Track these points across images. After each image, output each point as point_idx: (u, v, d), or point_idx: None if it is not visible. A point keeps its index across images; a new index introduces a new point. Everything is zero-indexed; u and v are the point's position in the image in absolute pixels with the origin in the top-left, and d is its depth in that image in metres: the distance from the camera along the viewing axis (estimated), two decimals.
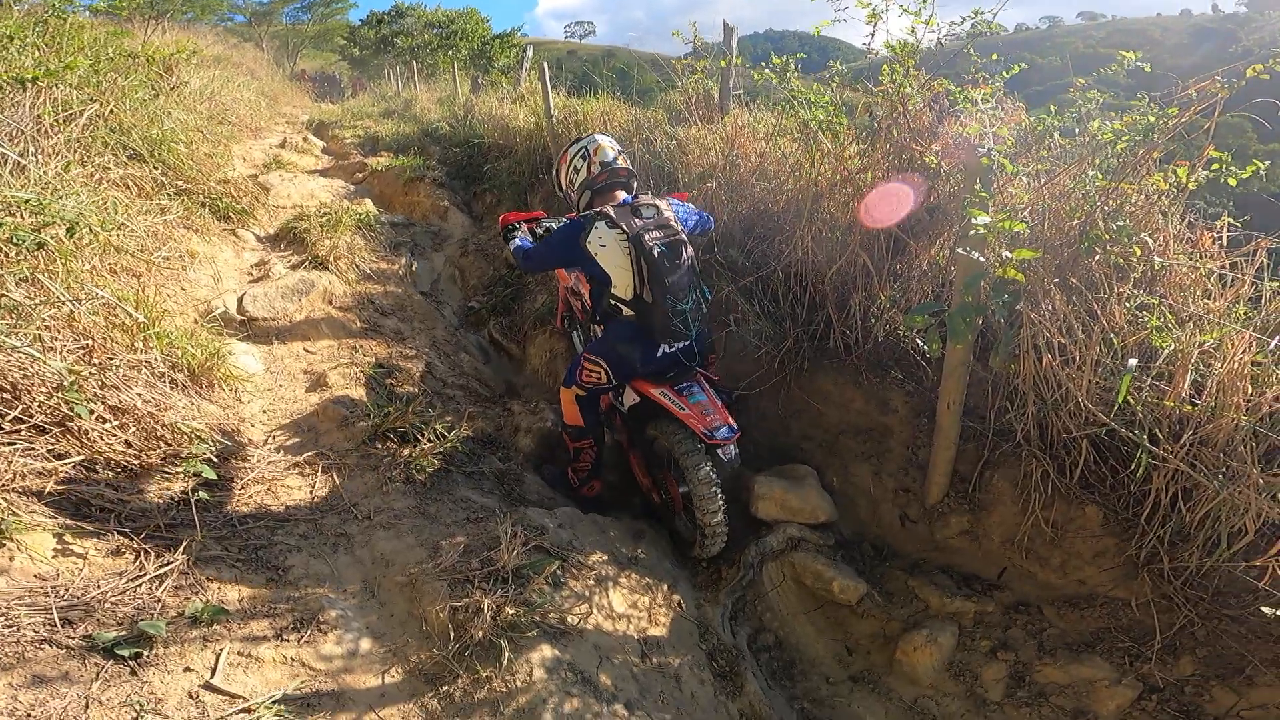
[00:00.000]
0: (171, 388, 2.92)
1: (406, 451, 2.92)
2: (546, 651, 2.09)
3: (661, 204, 2.80)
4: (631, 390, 3.03)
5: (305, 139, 9.67)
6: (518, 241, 3.08)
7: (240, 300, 3.95)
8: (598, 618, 2.35)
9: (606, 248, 2.68)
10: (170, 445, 2.59)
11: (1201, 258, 2.73)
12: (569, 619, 2.26)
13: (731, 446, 2.73)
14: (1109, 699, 2.46)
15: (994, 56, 3.21)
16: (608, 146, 2.96)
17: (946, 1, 3.13)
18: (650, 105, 6.48)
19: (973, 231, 2.45)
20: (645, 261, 2.61)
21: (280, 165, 7.38)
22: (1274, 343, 2.38)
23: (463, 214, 6.39)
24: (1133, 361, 2.33)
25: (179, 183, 4.67)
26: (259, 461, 2.82)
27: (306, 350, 3.77)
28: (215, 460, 2.64)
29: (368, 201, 6.25)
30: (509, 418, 3.63)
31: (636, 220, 2.66)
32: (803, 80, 3.62)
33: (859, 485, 3.22)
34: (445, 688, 1.96)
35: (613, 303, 2.77)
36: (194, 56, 7.77)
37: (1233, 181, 2.64)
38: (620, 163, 2.94)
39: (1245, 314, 2.56)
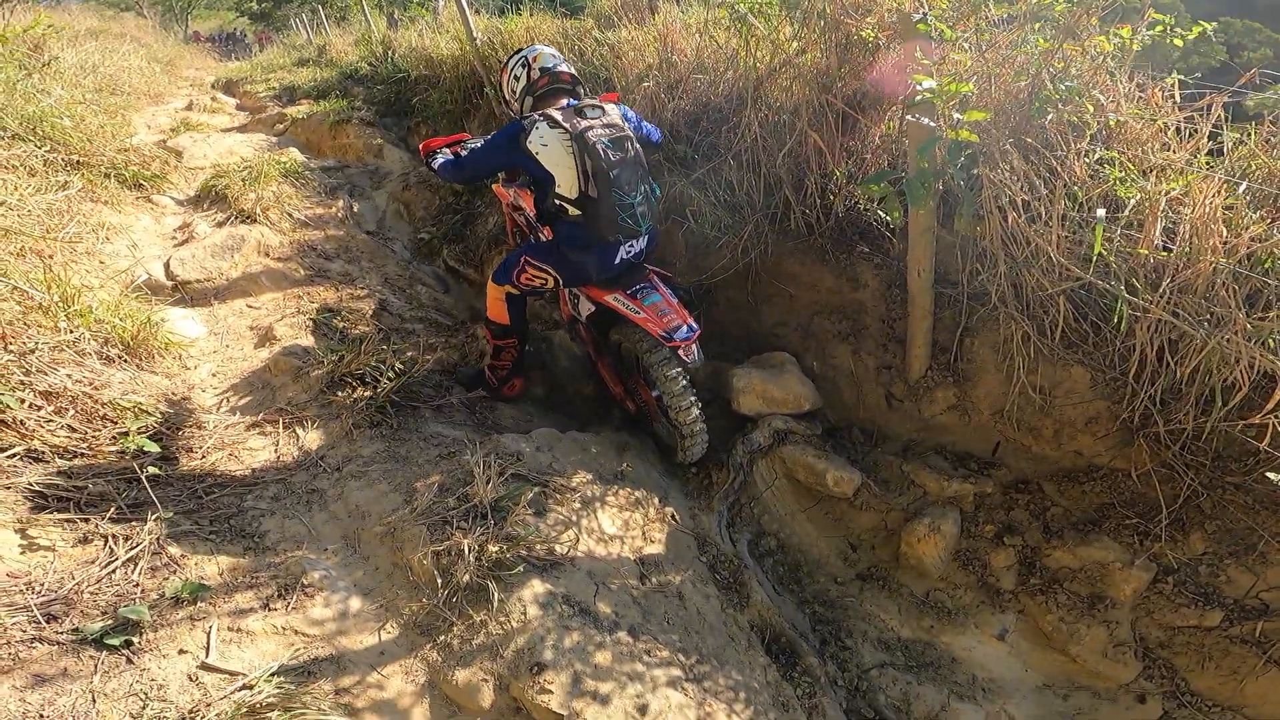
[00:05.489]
0: (107, 364, 2.78)
1: (368, 394, 2.78)
2: (538, 586, 2.01)
3: (609, 106, 2.70)
4: (586, 299, 2.94)
5: (215, 98, 9.11)
6: (441, 160, 2.93)
7: (167, 265, 3.69)
8: (588, 542, 2.27)
9: (549, 147, 2.56)
10: (117, 424, 2.48)
11: (1156, 113, 2.70)
12: (557, 548, 2.17)
13: (694, 346, 2.66)
14: (1124, 583, 2.45)
15: None
16: (548, 53, 2.86)
17: None
18: (580, 16, 6.16)
19: (919, 98, 2.39)
20: (589, 156, 2.51)
21: (190, 127, 6.93)
22: (1243, 185, 2.40)
23: (399, 149, 6.09)
24: (1101, 211, 2.31)
25: (72, 157, 4.36)
26: (216, 427, 2.70)
27: (249, 306, 3.57)
28: (164, 432, 2.52)
29: (293, 150, 5.89)
30: (474, 343, 3.47)
31: (580, 120, 2.56)
32: None
33: (839, 367, 3.15)
34: (442, 637, 1.90)
35: (557, 203, 2.65)
36: (60, 32, 7.21)
37: (1178, 42, 2.64)
38: (563, 68, 2.84)
39: (1206, 164, 2.54)
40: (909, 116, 2.49)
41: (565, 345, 3.45)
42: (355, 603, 2.00)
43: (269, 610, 1.91)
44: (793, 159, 3.26)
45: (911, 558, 2.72)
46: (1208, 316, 2.27)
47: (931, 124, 2.43)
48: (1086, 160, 2.56)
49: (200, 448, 2.56)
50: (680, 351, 2.63)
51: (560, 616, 1.95)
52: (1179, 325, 2.28)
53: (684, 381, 2.68)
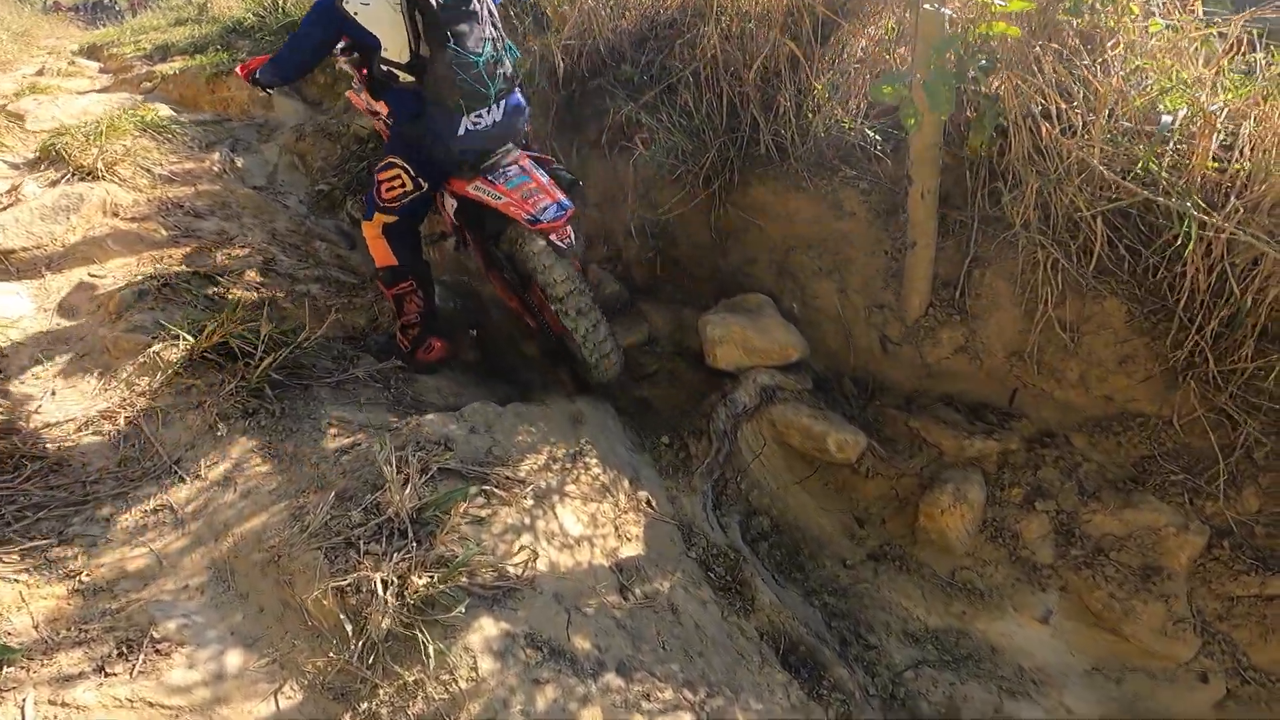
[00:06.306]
0: None
1: (238, 373, 2.13)
2: (489, 627, 1.48)
3: None
4: (449, 195, 2.49)
5: (72, 62, 8.00)
6: (260, 69, 2.44)
7: None
8: (550, 552, 1.74)
9: (369, 6, 2.18)
10: None
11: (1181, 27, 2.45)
12: (509, 568, 1.63)
13: (568, 227, 2.25)
14: (1179, 550, 2.13)
15: None
16: None
17: None
18: None
19: None
20: (420, 10, 2.13)
21: (38, 90, 5.92)
22: None
23: (292, 100, 5.31)
24: (1167, 117, 2.09)
25: None
26: (35, 428, 2.05)
27: (93, 275, 2.85)
28: None
29: (159, 105, 5.02)
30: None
31: None
32: None
33: (823, 308, 2.71)
34: (364, 704, 1.35)
35: (384, 68, 2.26)
36: None
37: None
38: None
39: (1238, 81, 2.34)
40: (925, 6, 2.06)
41: (495, 298, 2.88)
42: (235, 659, 1.46)
43: (106, 675, 1.42)
44: (762, 75, 2.81)
45: (932, 532, 2.30)
46: None
47: (949, 12, 2.09)
48: (1122, 70, 2.27)
49: (11, 457, 1.92)
50: (553, 236, 2.20)
51: (525, 666, 1.42)
52: (1257, 245, 1.93)
53: (572, 274, 2.29)
